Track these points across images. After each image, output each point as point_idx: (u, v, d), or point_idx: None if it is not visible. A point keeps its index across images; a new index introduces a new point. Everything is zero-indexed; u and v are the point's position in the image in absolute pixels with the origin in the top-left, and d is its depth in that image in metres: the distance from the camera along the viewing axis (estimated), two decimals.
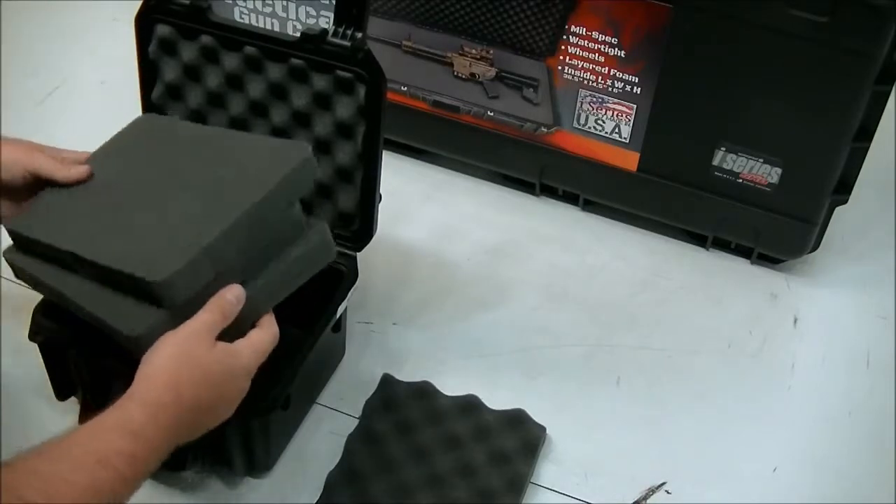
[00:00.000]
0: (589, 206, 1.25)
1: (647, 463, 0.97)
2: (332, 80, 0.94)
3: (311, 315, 0.94)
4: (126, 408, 0.71)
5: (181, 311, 0.77)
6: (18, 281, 0.88)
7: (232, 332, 0.79)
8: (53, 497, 0.63)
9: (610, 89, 1.12)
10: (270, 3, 1.20)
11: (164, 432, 0.71)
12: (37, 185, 0.89)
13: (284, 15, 1.20)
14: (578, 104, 1.14)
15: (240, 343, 0.80)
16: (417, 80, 1.21)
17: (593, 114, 1.14)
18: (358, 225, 1.00)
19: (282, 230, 0.85)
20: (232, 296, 0.79)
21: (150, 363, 0.74)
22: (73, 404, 0.96)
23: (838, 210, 1.12)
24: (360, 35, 0.92)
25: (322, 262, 0.89)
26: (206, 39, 0.98)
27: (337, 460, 0.94)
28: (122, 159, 0.93)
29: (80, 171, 0.89)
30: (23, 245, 0.88)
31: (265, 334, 0.82)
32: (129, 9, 1.01)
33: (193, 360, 0.75)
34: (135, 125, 0.97)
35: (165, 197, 0.86)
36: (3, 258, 0.89)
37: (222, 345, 0.78)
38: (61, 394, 0.96)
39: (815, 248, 1.16)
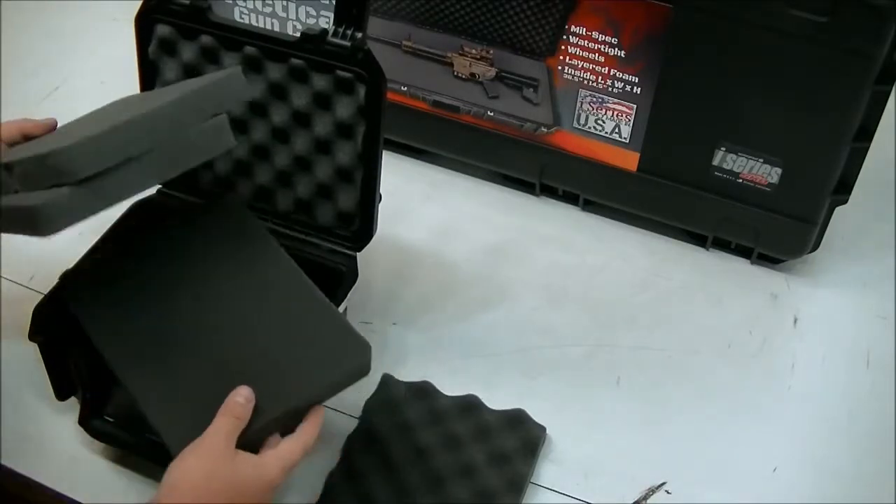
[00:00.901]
0: (589, 206, 1.25)
1: (647, 463, 0.97)
2: (332, 80, 0.94)
3: None
4: None
5: (90, 191, 0.79)
6: (18, 281, 0.88)
7: None
8: None
9: (610, 89, 1.12)
10: (270, 3, 1.20)
11: None
12: None
13: (284, 15, 1.20)
14: (578, 104, 1.14)
15: (267, 455, 0.78)
16: (417, 80, 1.22)
17: (593, 114, 1.14)
18: (358, 225, 1.00)
19: (204, 136, 0.86)
20: (241, 397, 0.79)
21: (175, 473, 0.75)
22: (73, 404, 0.96)
23: (838, 210, 1.12)
24: (360, 35, 0.92)
25: (217, 148, 0.89)
26: (206, 39, 0.98)
27: (337, 460, 0.94)
28: (95, 113, 0.96)
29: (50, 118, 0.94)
30: None
31: (296, 445, 0.80)
32: (129, 9, 1.01)
33: (218, 472, 0.75)
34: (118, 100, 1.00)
35: (107, 118, 0.88)
36: (1, 268, 0.89)
37: (246, 455, 0.77)
38: (61, 394, 0.96)
39: (815, 248, 1.16)
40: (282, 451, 0.79)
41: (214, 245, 0.94)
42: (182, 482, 0.74)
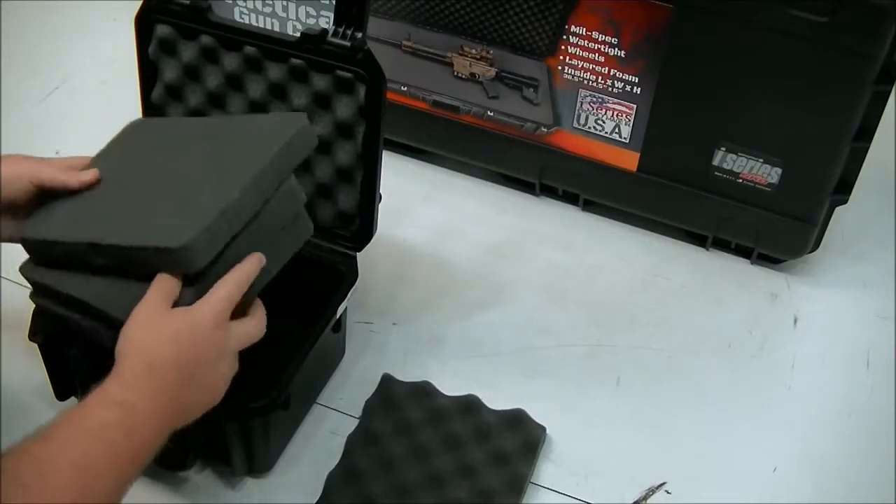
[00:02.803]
0: (589, 206, 1.25)
1: (647, 463, 0.97)
2: (332, 80, 0.94)
3: (312, 315, 0.94)
4: (104, 384, 0.71)
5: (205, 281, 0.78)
6: (18, 281, 0.88)
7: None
8: (47, 476, 0.64)
9: (610, 89, 1.12)
10: (270, 3, 1.20)
11: (149, 399, 0.71)
12: (39, 198, 0.88)
13: (284, 15, 1.20)
14: (578, 104, 1.14)
15: (196, 304, 0.78)
16: (417, 80, 1.22)
17: (593, 114, 1.14)
18: (358, 225, 1.00)
19: (281, 201, 0.84)
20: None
21: (121, 336, 0.75)
22: (72, 404, 0.96)
23: (838, 210, 1.12)
24: (360, 35, 0.92)
25: (302, 237, 0.88)
26: (206, 39, 0.98)
27: (337, 460, 0.94)
28: (121, 158, 0.92)
29: (90, 174, 0.88)
30: (38, 252, 0.87)
31: (222, 288, 0.78)
32: (129, 9, 1.01)
33: (159, 324, 0.75)
34: (128, 129, 0.97)
35: (172, 180, 0.85)
36: (1, 268, 0.89)
37: (178, 310, 0.76)
38: (61, 394, 0.96)
39: (815, 248, 1.16)
40: (210, 296, 0.77)
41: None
42: (126, 342, 0.74)
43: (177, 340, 0.74)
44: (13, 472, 0.63)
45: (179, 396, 0.74)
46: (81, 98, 1.38)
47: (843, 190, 1.10)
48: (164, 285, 0.77)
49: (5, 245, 0.89)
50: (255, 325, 0.81)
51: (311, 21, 1.19)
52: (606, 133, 1.15)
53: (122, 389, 0.71)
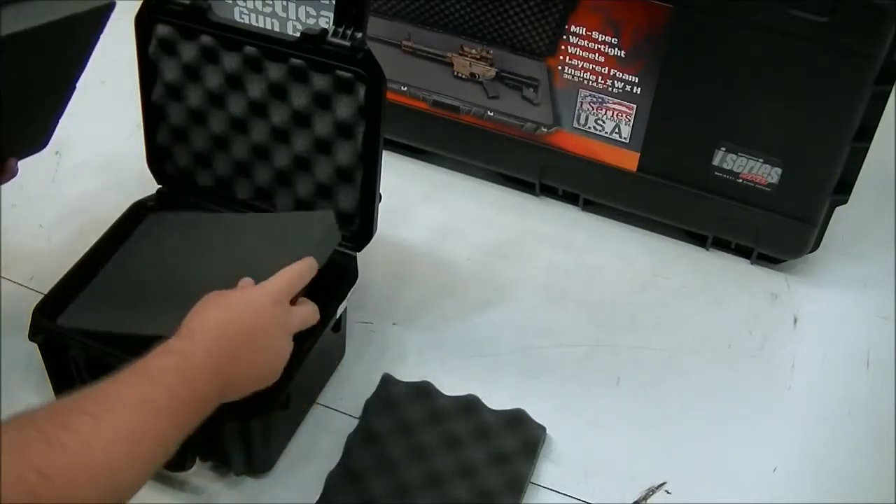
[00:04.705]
0: (589, 206, 1.25)
1: (647, 463, 0.97)
2: (332, 80, 0.94)
3: None
4: (162, 342, 0.75)
5: None
6: (18, 281, 0.88)
7: None
8: (111, 406, 0.67)
9: (610, 89, 1.12)
10: (270, 3, 1.20)
11: (206, 353, 0.75)
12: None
13: (284, 15, 1.20)
14: (578, 104, 1.14)
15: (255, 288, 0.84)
16: (417, 80, 1.22)
17: (593, 114, 1.14)
18: (358, 225, 1.00)
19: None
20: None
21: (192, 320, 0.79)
22: None
23: (838, 210, 1.12)
24: (360, 35, 0.92)
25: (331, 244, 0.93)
26: (206, 39, 0.98)
27: (337, 460, 0.94)
28: (146, 255, 0.99)
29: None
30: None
31: (313, 307, 0.87)
32: (129, 9, 1.01)
33: (219, 295, 0.81)
34: (147, 225, 1.03)
35: (205, 278, 0.90)
36: (1, 268, 0.89)
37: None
38: (61, 394, 0.96)
39: (815, 248, 1.16)
40: (270, 281, 0.84)
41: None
42: (189, 317, 0.79)
43: (236, 306, 0.80)
44: (78, 404, 0.66)
45: (237, 357, 0.78)
46: (81, 98, 1.37)
47: (843, 190, 1.10)
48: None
49: (5, 245, 0.89)
50: (313, 310, 0.87)
51: (311, 21, 1.19)
52: (606, 133, 1.15)
53: (181, 342, 0.75)
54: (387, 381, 1.02)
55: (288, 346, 0.83)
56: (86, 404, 0.66)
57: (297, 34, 0.94)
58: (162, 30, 0.99)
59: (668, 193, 1.17)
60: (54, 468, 0.61)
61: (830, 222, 1.13)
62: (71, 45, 0.86)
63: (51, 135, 0.94)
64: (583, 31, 1.09)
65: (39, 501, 0.59)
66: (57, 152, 1.24)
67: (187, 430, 0.72)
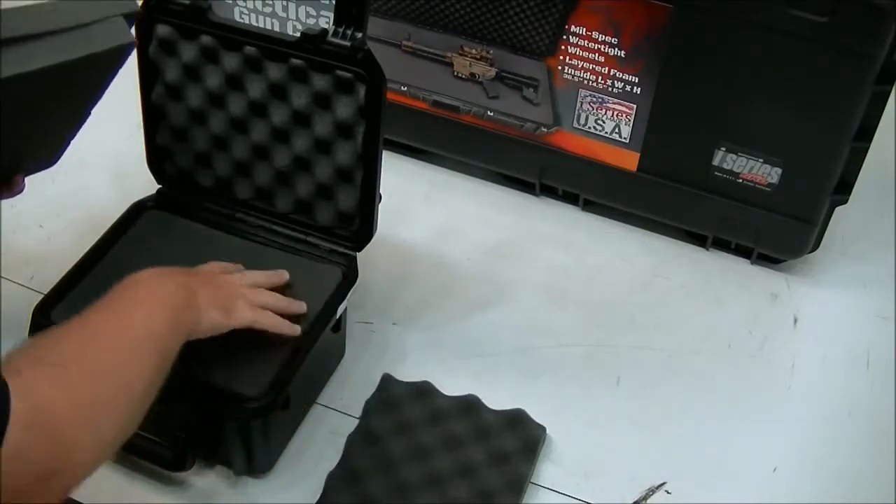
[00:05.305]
0: (589, 206, 1.25)
1: (647, 463, 0.97)
2: (332, 80, 0.94)
3: (311, 315, 0.94)
4: None
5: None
6: (18, 281, 0.88)
7: None
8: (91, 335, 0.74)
9: (610, 89, 1.12)
10: (270, 3, 1.20)
11: (178, 274, 0.85)
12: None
13: (284, 15, 1.20)
14: (578, 104, 1.14)
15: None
16: (417, 80, 1.22)
17: (593, 114, 1.14)
18: (358, 225, 1.00)
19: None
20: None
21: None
22: None
23: (838, 210, 1.12)
24: (360, 35, 0.92)
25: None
26: (206, 39, 0.98)
27: (337, 460, 0.94)
28: (141, 252, 1.00)
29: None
30: None
31: (287, 301, 0.94)
32: None
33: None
34: (144, 222, 1.05)
35: None
36: (1, 268, 0.89)
37: None
38: None
39: (815, 248, 1.16)
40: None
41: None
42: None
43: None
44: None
45: (199, 285, 0.86)
46: None
47: (843, 190, 1.10)
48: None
49: (5, 245, 0.89)
50: (288, 302, 0.93)
51: (311, 21, 1.19)
52: (606, 133, 1.15)
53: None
54: (387, 381, 1.02)
55: (246, 308, 0.89)
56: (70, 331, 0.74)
57: (297, 34, 0.94)
58: (162, 30, 0.99)
59: (668, 193, 1.17)
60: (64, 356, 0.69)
61: (830, 222, 1.13)
62: (88, 80, 0.86)
63: (61, 154, 0.94)
64: (583, 31, 1.09)
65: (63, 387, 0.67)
66: None
67: (175, 332, 0.80)
